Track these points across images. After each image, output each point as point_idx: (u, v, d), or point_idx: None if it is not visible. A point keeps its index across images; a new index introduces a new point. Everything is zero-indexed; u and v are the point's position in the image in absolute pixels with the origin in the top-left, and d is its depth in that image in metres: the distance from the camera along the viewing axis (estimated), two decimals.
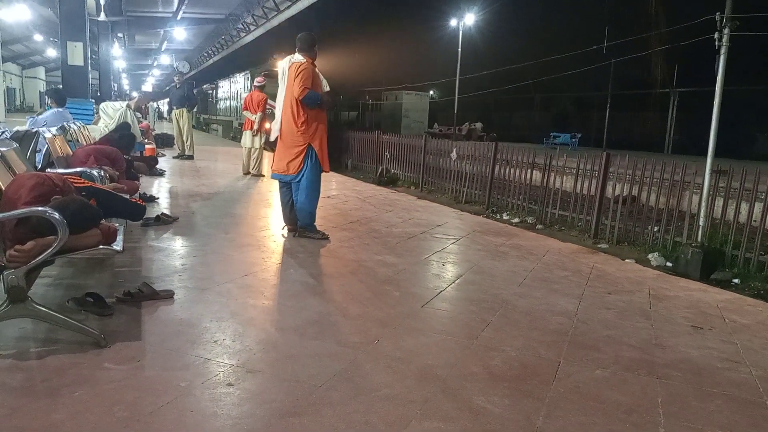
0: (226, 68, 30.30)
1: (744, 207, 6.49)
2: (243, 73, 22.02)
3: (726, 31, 6.00)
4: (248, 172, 10.75)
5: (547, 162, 8.94)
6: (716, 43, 6.08)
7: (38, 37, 30.68)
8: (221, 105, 27.62)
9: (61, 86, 11.71)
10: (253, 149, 10.73)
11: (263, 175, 10.39)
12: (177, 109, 13.35)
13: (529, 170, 9.27)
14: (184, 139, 13.37)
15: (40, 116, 7.47)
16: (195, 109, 25.70)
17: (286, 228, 5.64)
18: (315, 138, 5.35)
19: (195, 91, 32.75)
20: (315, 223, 5.55)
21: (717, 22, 6.07)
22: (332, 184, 9.92)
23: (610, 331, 3.44)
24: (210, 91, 31.61)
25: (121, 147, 6.00)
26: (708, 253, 6.05)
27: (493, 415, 2.36)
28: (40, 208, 2.57)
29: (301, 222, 5.50)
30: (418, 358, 2.87)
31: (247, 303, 3.57)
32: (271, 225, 6.10)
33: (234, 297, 3.65)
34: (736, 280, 5.91)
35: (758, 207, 6.31)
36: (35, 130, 5.15)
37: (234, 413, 2.25)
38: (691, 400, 2.62)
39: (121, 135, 6.78)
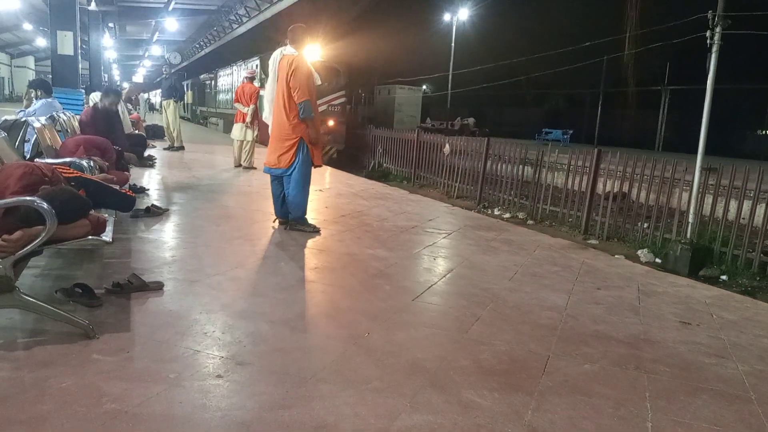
0: (218, 60, 29.19)
1: (733, 205, 6.55)
2: (251, 60, 18.88)
3: (717, 29, 6.04)
4: (239, 165, 10.70)
5: (539, 158, 8.98)
6: (708, 42, 6.12)
7: (27, 26, 30.28)
8: (221, 97, 24.80)
9: (49, 75, 11.60)
10: (245, 142, 10.68)
11: (255, 168, 10.35)
12: (164, 100, 13.29)
13: (520, 166, 9.31)
14: (171, 130, 13.29)
15: (29, 107, 7.40)
16: (185, 100, 25.24)
17: (277, 221, 5.62)
18: (306, 131, 5.33)
19: (190, 82, 31.94)
20: (306, 216, 5.54)
21: (709, 20, 6.10)
22: (324, 177, 9.90)
23: (599, 326, 3.46)
24: (208, 82, 28.29)
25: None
26: (696, 249, 6.11)
27: (482, 409, 2.37)
28: (28, 198, 2.55)
29: (292, 215, 5.48)
30: (408, 351, 2.88)
31: (237, 295, 3.56)
32: (263, 218, 6.08)
33: (224, 289, 3.64)
34: (724, 277, 5.97)
35: (747, 205, 6.37)
36: (24, 119, 5.09)
37: (223, 405, 2.25)
38: (679, 394, 2.64)
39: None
